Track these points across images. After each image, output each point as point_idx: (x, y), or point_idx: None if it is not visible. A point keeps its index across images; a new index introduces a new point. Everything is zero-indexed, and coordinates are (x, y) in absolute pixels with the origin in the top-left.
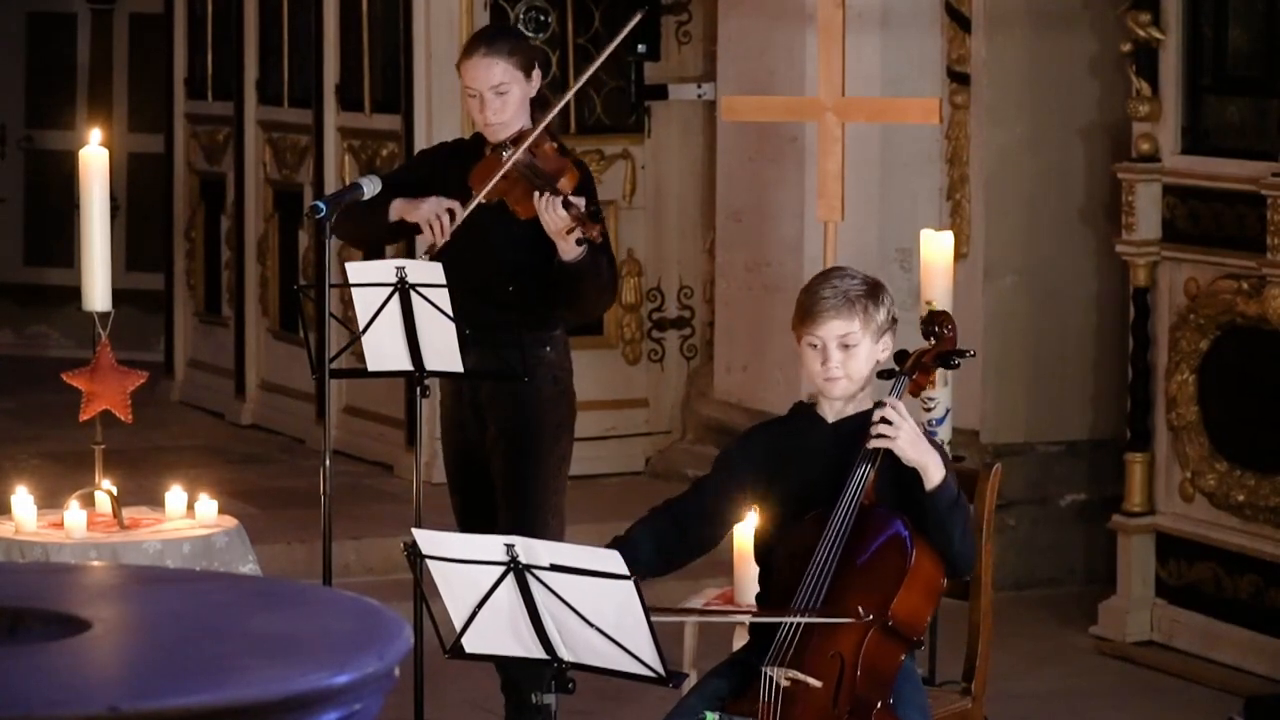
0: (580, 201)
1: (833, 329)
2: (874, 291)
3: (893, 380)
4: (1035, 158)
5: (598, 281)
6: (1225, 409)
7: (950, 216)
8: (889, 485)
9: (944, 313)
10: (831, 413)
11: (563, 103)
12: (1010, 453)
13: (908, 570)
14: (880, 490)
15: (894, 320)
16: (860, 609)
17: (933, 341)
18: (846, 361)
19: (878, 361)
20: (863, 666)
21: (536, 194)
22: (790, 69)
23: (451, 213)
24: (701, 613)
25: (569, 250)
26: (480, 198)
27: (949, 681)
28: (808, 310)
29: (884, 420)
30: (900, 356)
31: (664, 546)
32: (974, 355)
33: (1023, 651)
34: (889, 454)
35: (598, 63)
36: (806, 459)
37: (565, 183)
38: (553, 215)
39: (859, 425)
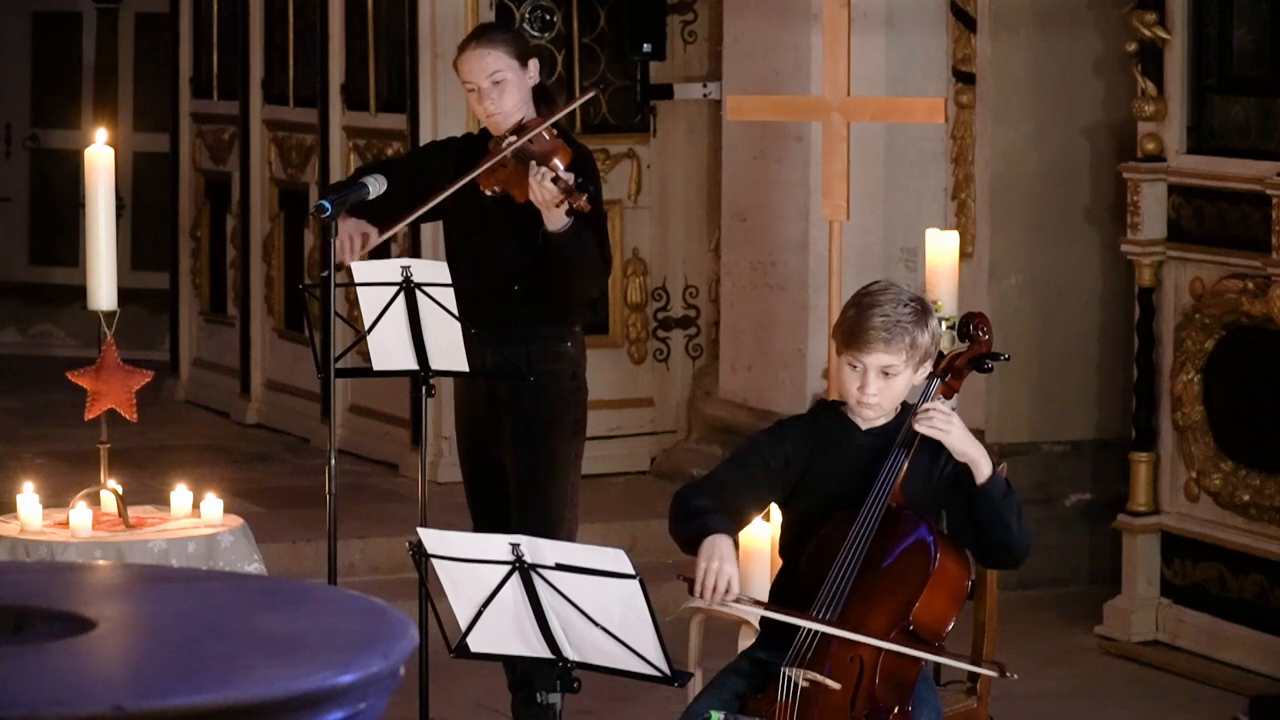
0: (570, 176)
1: (877, 359)
2: (922, 319)
3: (925, 383)
4: (1040, 157)
5: (583, 256)
6: (1230, 409)
7: (955, 216)
8: (918, 484)
9: (981, 315)
10: (864, 420)
11: (555, 117)
12: (1015, 452)
13: (931, 574)
14: (909, 491)
15: (937, 344)
16: (882, 629)
17: (968, 344)
18: (884, 390)
19: (913, 386)
20: (882, 671)
21: (530, 169)
22: (795, 68)
23: (366, 236)
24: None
25: (554, 220)
26: (471, 178)
27: (954, 681)
28: (853, 334)
29: (932, 412)
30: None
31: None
32: (1009, 359)
33: (1028, 651)
34: (921, 452)
35: (561, 114)
36: (837, 460)
37: (558, 160)
38: (543, 187)
39: (892, 433)
